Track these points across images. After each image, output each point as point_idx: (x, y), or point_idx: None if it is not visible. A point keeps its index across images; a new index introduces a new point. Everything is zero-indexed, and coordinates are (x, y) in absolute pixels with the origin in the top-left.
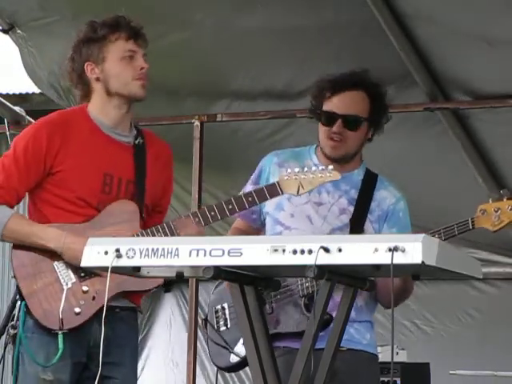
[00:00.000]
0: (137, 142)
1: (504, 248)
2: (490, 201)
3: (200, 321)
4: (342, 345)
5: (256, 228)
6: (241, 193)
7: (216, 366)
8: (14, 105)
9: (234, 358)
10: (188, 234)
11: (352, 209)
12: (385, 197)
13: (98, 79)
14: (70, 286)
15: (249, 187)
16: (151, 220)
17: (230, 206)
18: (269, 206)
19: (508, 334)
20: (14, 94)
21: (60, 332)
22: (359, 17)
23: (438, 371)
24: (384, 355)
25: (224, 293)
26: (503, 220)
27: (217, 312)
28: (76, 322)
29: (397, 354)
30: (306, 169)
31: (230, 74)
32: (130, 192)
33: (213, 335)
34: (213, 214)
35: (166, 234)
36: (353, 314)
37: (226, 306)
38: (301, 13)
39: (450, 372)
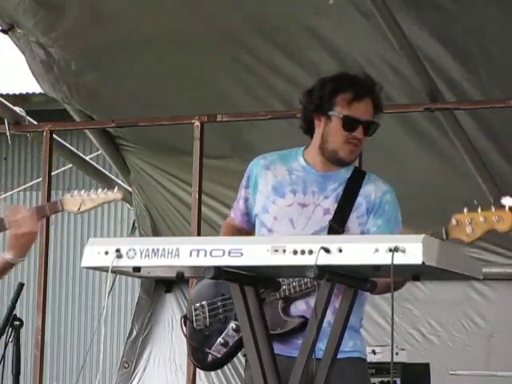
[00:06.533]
0: None
1: (506, 248)
2: (465, 210)
3: (180, 320)
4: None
5: (247, 230)
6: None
7: (194, 364)
8: (14, 105)
9: (210, 357)
10: None
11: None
12: (371, 191)
13: None
14: None
15: (242, 191)
16: None
17: None
18: (257, 208)
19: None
20: (14, 94)
21: None
22: (358, 16)
23: (438, 371)
24: (384, 355)
25: (203, 290)
26: (476, 232)
27: (196, 310)
28: None
29: (397, 354)
30: (92, 190)
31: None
32: None
33: (191, 333)
34: None
35: None
36: (331, 318)
37: (204, 303)
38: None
39: (450, 372)
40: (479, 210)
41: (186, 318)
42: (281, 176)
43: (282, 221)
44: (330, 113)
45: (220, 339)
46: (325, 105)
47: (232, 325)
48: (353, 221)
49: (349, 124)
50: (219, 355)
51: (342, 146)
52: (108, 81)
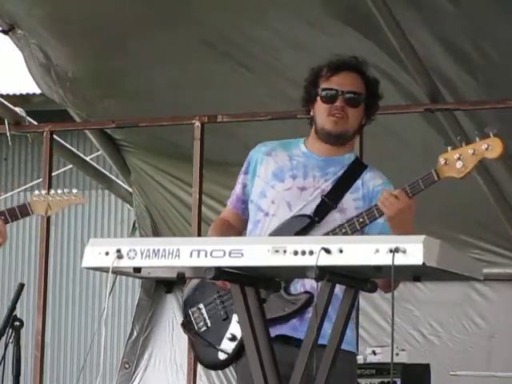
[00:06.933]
0: None
1: (507, 249)
2: (449, 149)
3: (180, 326)
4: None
5: (244, 219)
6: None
7: (204, 366)
8: (15, 105)
9: (221, 355)
10: None
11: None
12: (371, 178)
13: None
14: None
15: (240, 177)
16: None
17: None
18: (254, 194)
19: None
20: (14, 95)
21: None
22: (358, 16)
23: (439, 372)
24: (384, 356)
25: (195, 293)
26: (468, 166)
27: (193, 314)
28: None
29: (397, 354)
30: (52, 191)
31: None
32: None
33: (196, 337)
34: None
35: None
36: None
37: (201, 306)
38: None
39: (451, 373)
40: (463, 144)
41: (186, 325)
42: (281, 162)
43: (280, 204)
44: (316, 92)
45: (227, 334)
46: (311, 92)
47: (236, 317)
48: (349, 201)
49: (326, 96)
50: (230, 351)
51: (326, 119)
52: (106, 86)
